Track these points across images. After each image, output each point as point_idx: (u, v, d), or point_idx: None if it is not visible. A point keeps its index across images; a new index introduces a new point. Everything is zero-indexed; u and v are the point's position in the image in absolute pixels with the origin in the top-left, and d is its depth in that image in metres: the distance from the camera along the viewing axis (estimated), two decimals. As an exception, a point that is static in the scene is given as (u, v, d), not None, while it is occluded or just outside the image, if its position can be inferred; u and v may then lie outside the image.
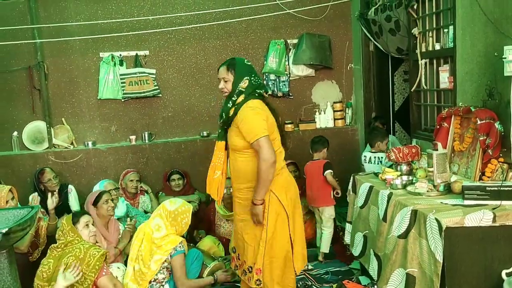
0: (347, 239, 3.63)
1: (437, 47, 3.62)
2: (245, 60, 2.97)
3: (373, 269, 3.02)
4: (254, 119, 2.76)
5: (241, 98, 2.82)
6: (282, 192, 2.89)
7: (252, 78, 2.87)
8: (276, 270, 2.92)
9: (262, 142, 2.70)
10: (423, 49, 3.81)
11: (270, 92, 5.14)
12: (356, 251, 3.33)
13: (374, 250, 3.04)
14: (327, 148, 4.22)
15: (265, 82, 5.15)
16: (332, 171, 4.05)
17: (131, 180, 4.59)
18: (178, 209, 3.34)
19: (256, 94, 2.89)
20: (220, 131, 3.03)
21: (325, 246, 4.12)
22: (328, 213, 4.10)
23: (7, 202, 3.25)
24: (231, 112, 2.83)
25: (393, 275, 2.71)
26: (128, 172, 4.68)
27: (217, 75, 2.96)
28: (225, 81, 2.87)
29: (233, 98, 2.84)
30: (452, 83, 3.37)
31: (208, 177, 3.06)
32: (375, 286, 3.38)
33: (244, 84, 2.85)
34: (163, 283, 3.27)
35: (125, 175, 4.67)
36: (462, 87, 3.25)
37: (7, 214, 2.98)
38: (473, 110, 2.95)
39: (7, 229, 2.50)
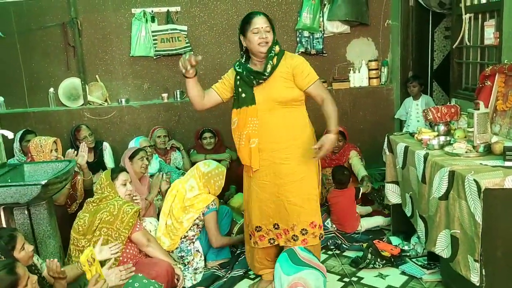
0: (392, 199, 3.54)
1: (483, 0, 3.42)
2: None
3: (421, 230, 2.98)
4: (308, 64, 2.80)
5: (278, 48, 2.75)
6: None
7: None
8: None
9: (321, 83, 2.80)
10: (468, 3, 3.61)
11: (303, 50, 5.03)
12: (408, 211, 3.28)
13: (419, 212, 3.00)
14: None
15: (298, 39, 5.05)
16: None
17: (159, 136, 4.66)
18: (212, 171, 3.38)
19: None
20: (246, 95, 2.80)
21: None
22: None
23: (51, 151, 3.41)
24: (275, 61, 2.73)
25: (439, 237, 2.68)
26: (155, 129, 4.75)
27: (254, 26, 2.69)
28: (267, 31, 2.71)
29: (274, 48, 2.74)
30: (498, 39, 3.20)
31: (242, 148, 2.80)
32: (408, 246, 3.38)
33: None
34: (194, 240, 3.34)
35: (153, 132, 4.74)
36: (508, 43, 3.08)
37: (46, 167, 3.12)
38: (519, 67, 2.80)
39: (46, 181, 2.61)
